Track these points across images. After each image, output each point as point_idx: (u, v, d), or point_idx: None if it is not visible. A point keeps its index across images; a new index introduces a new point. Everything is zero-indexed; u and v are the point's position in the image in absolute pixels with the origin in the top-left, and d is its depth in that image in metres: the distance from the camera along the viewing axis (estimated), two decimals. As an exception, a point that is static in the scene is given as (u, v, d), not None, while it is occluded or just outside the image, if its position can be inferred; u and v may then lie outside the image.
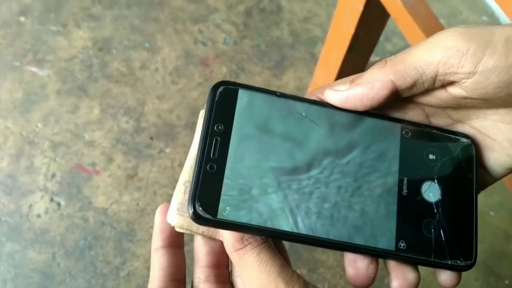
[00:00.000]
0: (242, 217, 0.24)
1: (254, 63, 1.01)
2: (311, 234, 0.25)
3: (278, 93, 0.27)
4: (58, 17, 1.04)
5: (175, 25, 1.04)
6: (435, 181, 0.27)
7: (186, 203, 0.26)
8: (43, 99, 0.93)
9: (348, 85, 0.26)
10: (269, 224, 0.25)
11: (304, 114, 0.26)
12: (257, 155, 0.25)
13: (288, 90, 0.98)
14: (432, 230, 0.26)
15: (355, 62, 0.77)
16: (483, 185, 0.28)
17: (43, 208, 0.83)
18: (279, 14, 1.08)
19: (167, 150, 0.89)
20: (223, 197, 0.24)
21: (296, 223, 0.25)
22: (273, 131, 0.26)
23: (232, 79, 0.98)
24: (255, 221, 0.24)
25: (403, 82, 0.25)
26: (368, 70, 0.26)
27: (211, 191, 0.24)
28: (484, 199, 0.89)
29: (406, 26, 0.57)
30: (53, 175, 0.86)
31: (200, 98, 0.95)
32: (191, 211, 0.24)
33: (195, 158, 0.25)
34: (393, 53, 1.04)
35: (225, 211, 0.24)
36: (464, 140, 0.27)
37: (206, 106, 0.26)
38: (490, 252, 0.86)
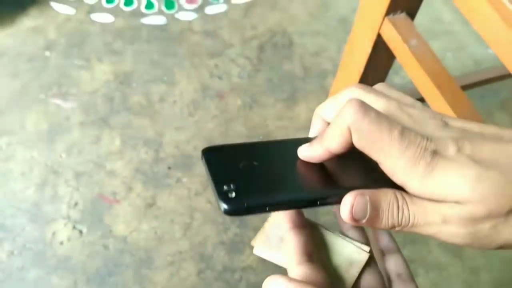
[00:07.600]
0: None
1: (267, 96, 1.05)
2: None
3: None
4: (81, 51, 1.09)
5: (192, 60, 1.09)
6: None
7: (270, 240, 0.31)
8: (67, 131, 0.98)
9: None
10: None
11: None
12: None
13: (300, 121, 1.02)
14: None
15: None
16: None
17: (66, 235, 0.87)
18: (291, 49, 1.13)
19: (184, 180, 0.93)
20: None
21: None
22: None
23: (246, 111, 1.03)
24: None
25: None
26: None
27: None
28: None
29: (412, 70, 0.61)
30: (76, 204, 0.90)
31: (215, 129, 1.00)
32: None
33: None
34: (401, 85, 1.07)
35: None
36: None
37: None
38: (499, 281, 0.88)
